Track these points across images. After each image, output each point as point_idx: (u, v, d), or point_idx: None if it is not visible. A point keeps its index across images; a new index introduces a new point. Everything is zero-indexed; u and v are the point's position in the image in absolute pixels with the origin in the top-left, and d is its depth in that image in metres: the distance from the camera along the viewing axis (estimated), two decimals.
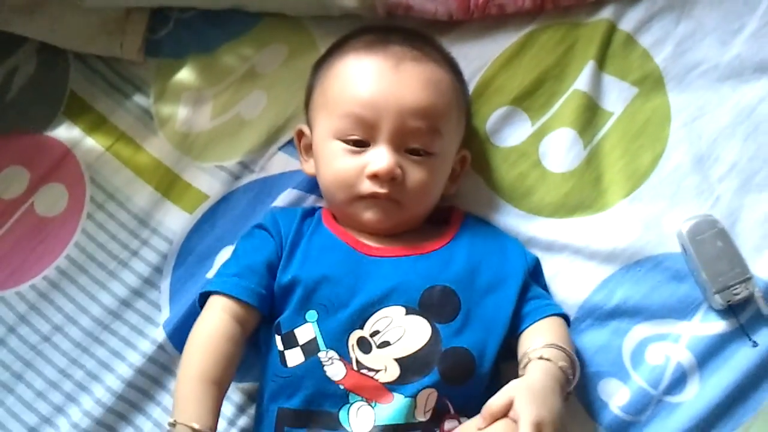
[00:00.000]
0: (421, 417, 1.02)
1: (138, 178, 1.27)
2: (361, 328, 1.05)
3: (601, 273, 1.19)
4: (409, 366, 1.03)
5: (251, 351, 1.13)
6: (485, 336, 1.07)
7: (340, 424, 1.02)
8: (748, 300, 1.15)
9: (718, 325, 1.16)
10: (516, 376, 1.03)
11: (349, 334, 1.05)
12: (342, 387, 1.03)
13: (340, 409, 1.03)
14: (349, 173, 1.10)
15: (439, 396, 1.03)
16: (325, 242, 1.13)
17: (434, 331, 1.05)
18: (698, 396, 1.15)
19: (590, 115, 1.24)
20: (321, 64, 1.19)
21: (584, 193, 1.22)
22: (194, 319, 1.13)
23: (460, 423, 1.03)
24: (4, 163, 1.29)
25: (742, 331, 1.16)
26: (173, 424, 0.99)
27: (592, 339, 1.18)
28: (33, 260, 1.25)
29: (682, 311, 1.17)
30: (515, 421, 0.94)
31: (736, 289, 1.14)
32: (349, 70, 1.13)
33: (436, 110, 1.12)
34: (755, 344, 1.15)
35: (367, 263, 1.10)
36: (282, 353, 1.06)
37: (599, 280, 1.19)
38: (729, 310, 1.16)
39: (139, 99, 1.31)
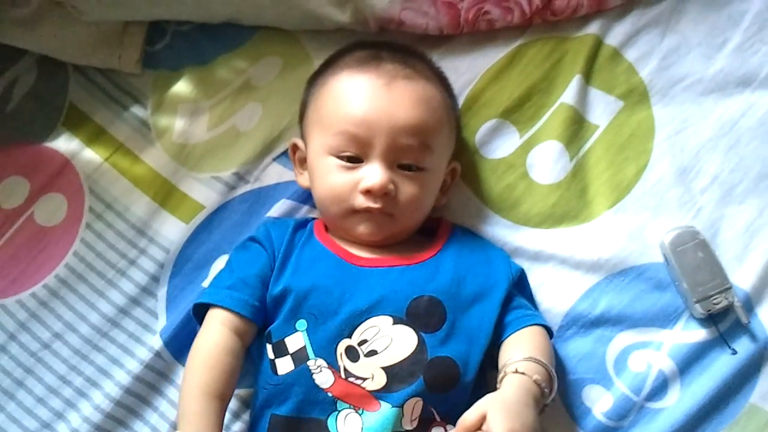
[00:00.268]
0: (408, 426, 1.05)
1: (136, 188, 1.29)
2: (350, 336, 1.08)
3: (585, 282, 1.22)
4: (396, 374, 1.06)
5: (247, 358, 1.14)
6: (469, 345, 1.10)
7: (329, 431, 1.04)
8: (728, 309, 1.18)
9: (699, 334, 1.19)
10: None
11: (338, 342, 1.07)
12: (330, 395, 1.05)
13: (328, 417, 1.05)
14: (343, 188, 1.12)
15: (424, 404, 1.05)
16: (316, 253, 1.15)
17: (420, 340, 1.08)
18: (679, 402, 1.17)
19: (577, 127, 1.27)
20: (315, 80, 1.21)
21: (570, 204, 1.25)
22: (191, 327, 1.16)
23: (446, 430, 1.06)
24: (4, 173, 1.30)
25: (722, 340, 1.19)
26: None
27: (576, 346, 1.20)
28: (33, 269, 1.27)
29: (664, 320, 1.20)
30: None
31: (716, 298, 1.17)
32: (343, 88, 1.15)
33: (428, 127, 1.14)
34: (734, 352, 1.18)
35: (356, 273, 1.12)
36: (273, 361, 1.09)
37: (584, 289, 1.21)
38: (709, 319, 1.19)
39: (137, 110, 1.32)
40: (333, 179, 1.13)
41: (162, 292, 1.26)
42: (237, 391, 1.19)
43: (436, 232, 1.21)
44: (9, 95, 1.34)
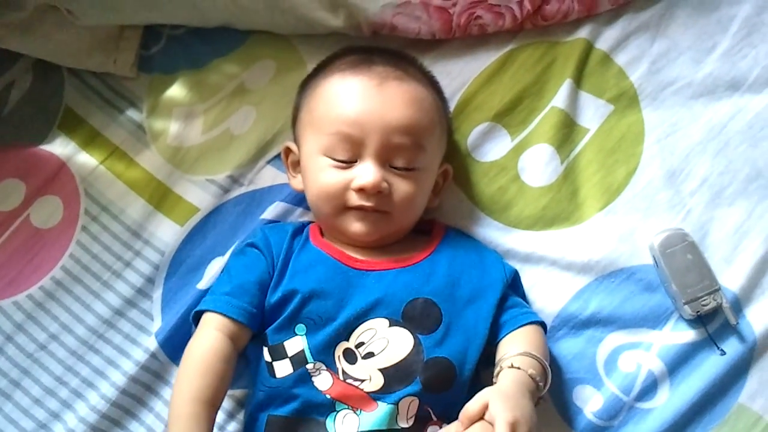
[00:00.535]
0: (404, 423, 1.06)
1: (131, 191, 1.29)
2: (347, 339, 1.09)
3: (576, 283, 1.23)
4: (393, 376, 1.07)
5: (241, 360, 1.15)
6: (465, 346, 1.11)
7: (327, 431, 1.06)
8: (717, 310, 1.19)
9: (688, 335, 1.20)
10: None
11: (336, 345, 1.09)
12: (329, 396, 1.07)
13: (327, 417, 1.06)
14: (336, 186, 1.13)
15: (420, 403, 1.07)
16: (312, 258, 1.15)
17: (416, 342, 1.09)
18: (668, 402, 1.19)
19: (567, 131, 1.28)
20: (307, 83, 1.22)
21: (561, 206, 1.26)
22: (186, 329, 1.17)
23: (441, 429, 1.06)
24: (1, 176, 1.31)
25: (711, 341, 1.20)
26: None
27: (567, 347, 1.21)
28: (29, 271, 1.27)
29: (653, 321, 1.21)
30: (491, 423, 0.97)
31: (705, 300, 1.18)
32: (335, 90, 1.16)
33: (420, 127, 1.15)
34: (723, 353, 1.19)
35: (353, 277, 1.13)
36: (270, 364, 1.10)
37: (575, 291, 1.23)
38: (698, 320, 1.20)
39: (132, 114, 1.33)
40: (326, 177, 1.14)
41: (157, 294, 1.27)
42: (232, 392, 1.21)
43: (429, 233, 1.22)
44: (5, 99, 1.35)
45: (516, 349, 1.09)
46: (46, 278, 1.27)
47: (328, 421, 1.06)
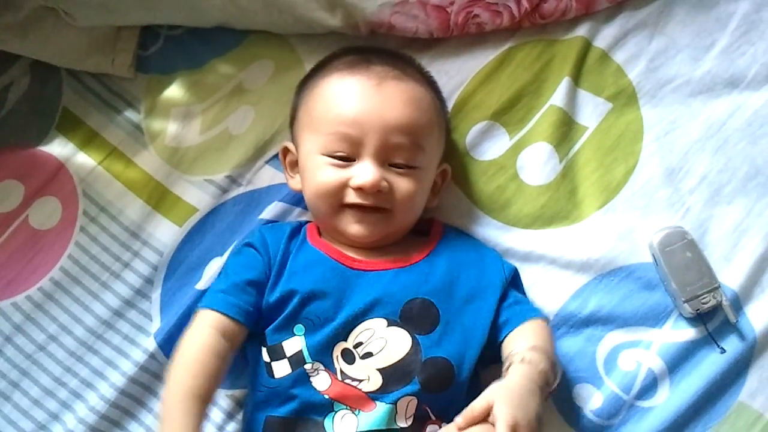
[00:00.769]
0: (402, 423, 1.06)
1: (129, 191, 1.30)
2: (345, 339, 1.09)
3: (575, 282, 1.23)
4: (391, 376, 1.07)
5: (241, 360, 1.16)
6: (464, 345, 1.11)
7: (325, 431, 1.05)
8: (716, 308, 1.19)
9: (688, 333, 1.20)
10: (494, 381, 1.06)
11: (334, 345, 1.08)
12: (327, 397, 1.06)
13: (325, 418, 1.06)
14: (334, 183, 1.13)
15: (419, 403, 1.07)
16: (310, 258, 1.15)
17: (414, 342, 1.09)
18: (668, 401, 1.18)
19: (566, 129, 1.28)
20: (305, 84, 1.22)
21: (560, 205, 1.26)
22: (185, 329, 1.17)
23: (441, 428, 1.06)
24: None
25: (711, 339, 1.20)
26: None
27: (567, 346, 1.21)
28: (28, 272, 1.27)
29: (653, 319, 1.21)
30: (493, 425, 0.97)
31: (705, 298, 1.18)
32: (333, 90, 1.16)
33: (418, 126, 1.15)
34: (723, 351, 1.19)
35: (351, 277, 1.13)
36: (269, 364, 1.10)
37: (574, 289, 1.22)
38: (698, 318, 1.20)
39: (130, 114, 1.33)
40: (323, 176, 1.14)
41: (156, 295, 1.27)
42: (231, 392, 1.22)
43: (427, 233, 1.22)
44: (3, 100, 1.35)
45: (525, 344, 1.08)
46: (44, 279, 1.27)
47: (327, 422, 1.06)
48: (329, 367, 1.08)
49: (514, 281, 1.20)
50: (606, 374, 1.20)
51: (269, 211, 1.27)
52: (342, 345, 1.09)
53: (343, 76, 1.17)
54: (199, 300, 1.16)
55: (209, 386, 1.07)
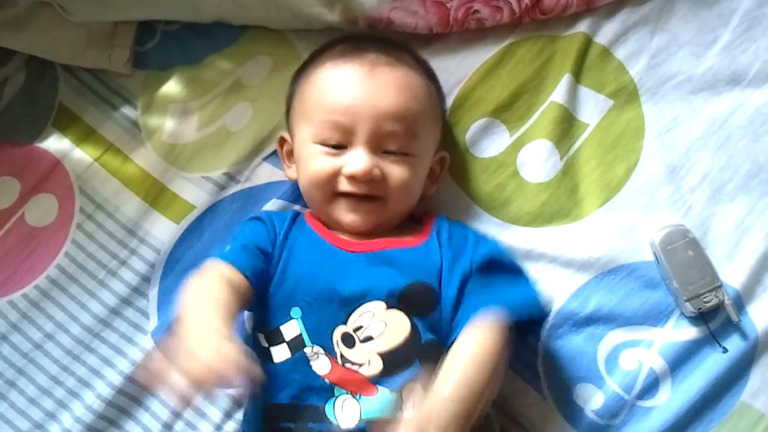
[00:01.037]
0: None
1: (126, 188, 1.29)
2: (345, 323, 1.07)
3: (576, 281, 1.22)
4: (392, 360, 1.06)
5: None
6: (459, 329, 1.07)
7: (327, 417, 1.04)
8: (718, 307, 1.18)
9: (690, 332, 1.19)
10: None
11: (334, 329, 1.07)
12: (327, 381, 1.05)
13: (326, 403, 1.05)
14: (326, 171, 1.13)
15: None
16: (308, 240, 1.15)
17: (413, 325, 1.07)
18: (670, 401, 1.18)
19: (567, 126, 1.27)
20: (300, 73, 1.22)
21: (560, 202, 1.25)
22: None
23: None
24: None
25: (713, 338, 1.19)
26: None
27: (568, 345, 1.20)
28: (24, 270, 1.27)
29: (654, 318, 1.20)
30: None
31: (707, 296, 1.17)
32: (326, 78, 1.16)
33: (412, 113, 1.14)
34: (725, 350, 1.18)
35: (349, 259, 1.12)
36: (267, 350, 1.08)
37: (575, 288, 1.22)
38: (700, 317, 1.19)
39: (126, 110, 1.32)
40: (317, 164, 1.13)
41: (153, 293, 1.27)
42: (230, 391, 1.20)
43: (421, 221, 1.20)
44: None
45: (445, 388, 0.99)
46: (41, 277, 1.27)
47: (327, 407, 1.05)
48: (329, 352, 1.06)
49: (491, 263, 1.13)
50: (607, 374, 1.19)
51: (267, 208, 1.26)
52: (342, 329, 1.07)
53: (336, 64, 1.16)
54: None
55: (230, 311, 1.01)
